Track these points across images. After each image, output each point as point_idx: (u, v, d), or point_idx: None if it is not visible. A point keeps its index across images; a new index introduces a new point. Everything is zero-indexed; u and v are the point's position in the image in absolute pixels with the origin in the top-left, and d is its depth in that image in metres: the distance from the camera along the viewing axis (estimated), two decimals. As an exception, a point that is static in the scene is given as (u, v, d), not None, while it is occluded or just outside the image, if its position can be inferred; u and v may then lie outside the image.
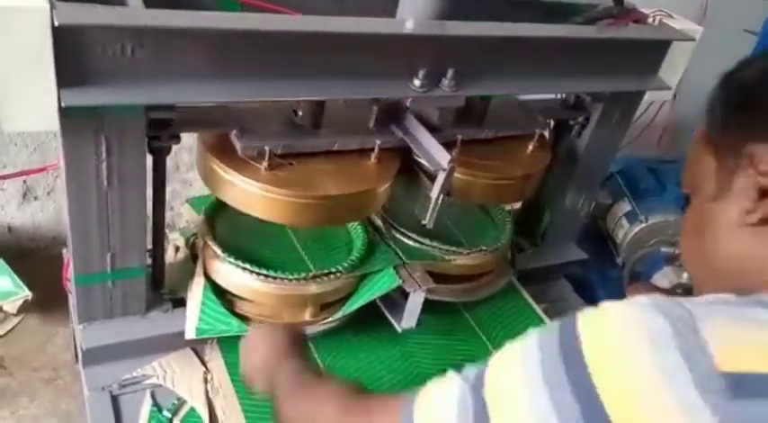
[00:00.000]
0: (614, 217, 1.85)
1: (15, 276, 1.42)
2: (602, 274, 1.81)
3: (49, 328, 1.50)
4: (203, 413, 0.98)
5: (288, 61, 0.81)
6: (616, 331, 0.41)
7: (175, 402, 0.99)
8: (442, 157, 0.91)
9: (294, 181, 0.90)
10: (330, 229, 1.18)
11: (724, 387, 0.36)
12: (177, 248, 1.15)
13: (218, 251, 1.02)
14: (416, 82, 0.89)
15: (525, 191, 1.17)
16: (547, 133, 1.21)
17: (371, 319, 1.11)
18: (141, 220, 0.89)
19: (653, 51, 1.11)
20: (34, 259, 1.63)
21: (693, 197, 0.60)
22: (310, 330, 1.06)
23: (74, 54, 0.68)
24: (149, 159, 0.86)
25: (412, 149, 0.97)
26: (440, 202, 0.94)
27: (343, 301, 1.09)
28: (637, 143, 1.67)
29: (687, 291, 1.50)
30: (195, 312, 1.00)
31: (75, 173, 0.80)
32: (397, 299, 1.09)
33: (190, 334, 0.99)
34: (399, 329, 1.07)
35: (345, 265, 1.04)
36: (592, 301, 0.50)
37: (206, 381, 1.03)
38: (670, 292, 1.16)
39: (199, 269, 1.06)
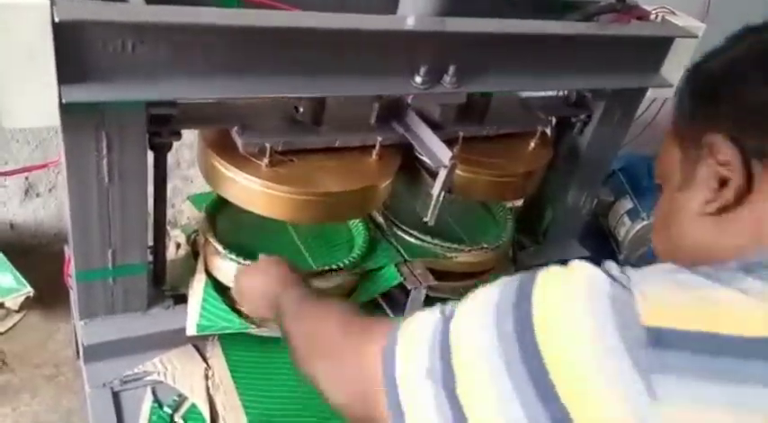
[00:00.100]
0: (616, 214, 1.85)
1: (17, 273, 1.42)
2: (604, 271, 1.81)
3: (51, 324, 1.50)
4: (204, 409, 0.98)
5: (289, 58, 0.80)
6: (561, 282, 0.45)
7: (176, 399, 0.99)
8: (444, 154, 0.91)
9: (295, 178, 0.90)
10: (331, 226, 1.18)
11: (645, 338, 0.39)
12: (178, 245, 1.15)
13: (220, 248, 1.02)
14: (418, 79, 0.89)
15: (527, 188, 1.17)
16: (549, 130, 1.21)
17: (372, 317, 1.11)
18: (142, 216, 0.89)
19: (655, 48, 1.11)
20: (36, 256, 1.63)
21: (663, 188, 0.62)
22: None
23: (74, 50, 0.68)
24: (150, 156, 0.86)
25: (413, 146, 0.97)
26: (441, 199, 0.94)
27: (344, 298, 1.09)
28: (639, 140, 1.67)
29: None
30: (196, 309, 1.00)
31: (76, 169, 0.80)
32: (398, 296, 1.09)
33: (191, 330, 0.99)
34: (400, 327, 1.07)
35: (346, 262, 1.04)
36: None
37: (207, 377, 1.03)
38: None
39: (200, 266, 1.06)
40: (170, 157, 0.91)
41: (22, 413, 1.32)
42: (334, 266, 1.03)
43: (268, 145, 0.89)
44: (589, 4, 1.05)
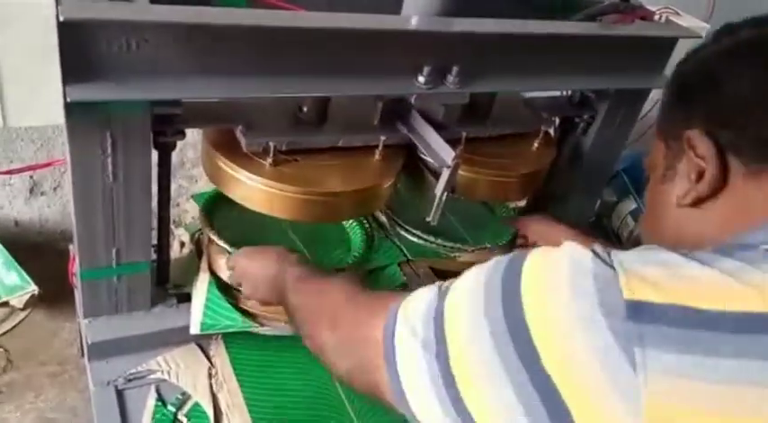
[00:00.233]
0: (619, 215, 1.85)
1: (22, 271, 1.43)
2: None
3: (56, 322, 1.51)
4: (208, 408, 0.98)
5: (293, 57, 0.81)
6: (549, 261, 0.47)
7: (180, 397, 1.00)
8: (447, 154, 0.91)
9: (299, 177, 0.90)
10: (335, 226, 1.18)
11: (625, 312, 0.41)
12: (182, 244, 1.15)
13: (224, 247, 1.02)
14: (421, 79, 0.89)
15: (530, 188, 1.17)
16: (552, 131, 1.21)
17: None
18: (146, 215, 0.90)
19: (659, 49, 1.11)
20: (41, 254, 1.63)
21: (651, 179, 0.64)
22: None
23: (79, 49, 0.68)
24: (154, 155, 0.87)
25: (416, 146, 0.97)
26: (444, 199, 0.94)
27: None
28: (643, 141, 1.67)
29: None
30: (200, 308, 1.01)
31: (80, 168, 0.81)
32: (400, 295, 1.09)
33: (194, 329, 0.99)
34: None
35: (349, 261, 1.05)
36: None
37: (210, 376, 1.03)
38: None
39: (204, 265, 1.06)
40: (174, 157, 0.91)
41: (26, 411, 1.33)
42: (336, 266, 1.03)
43: (272, 144, 0.89)
44: (593, 5, 1.05)
